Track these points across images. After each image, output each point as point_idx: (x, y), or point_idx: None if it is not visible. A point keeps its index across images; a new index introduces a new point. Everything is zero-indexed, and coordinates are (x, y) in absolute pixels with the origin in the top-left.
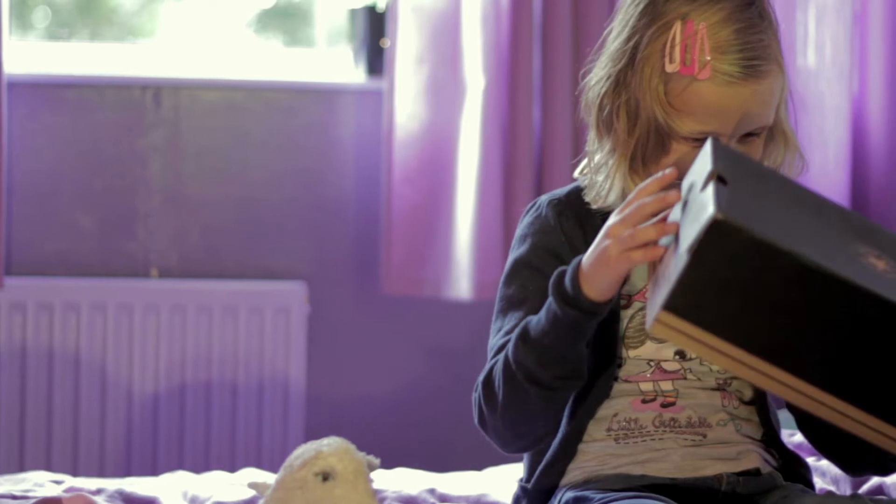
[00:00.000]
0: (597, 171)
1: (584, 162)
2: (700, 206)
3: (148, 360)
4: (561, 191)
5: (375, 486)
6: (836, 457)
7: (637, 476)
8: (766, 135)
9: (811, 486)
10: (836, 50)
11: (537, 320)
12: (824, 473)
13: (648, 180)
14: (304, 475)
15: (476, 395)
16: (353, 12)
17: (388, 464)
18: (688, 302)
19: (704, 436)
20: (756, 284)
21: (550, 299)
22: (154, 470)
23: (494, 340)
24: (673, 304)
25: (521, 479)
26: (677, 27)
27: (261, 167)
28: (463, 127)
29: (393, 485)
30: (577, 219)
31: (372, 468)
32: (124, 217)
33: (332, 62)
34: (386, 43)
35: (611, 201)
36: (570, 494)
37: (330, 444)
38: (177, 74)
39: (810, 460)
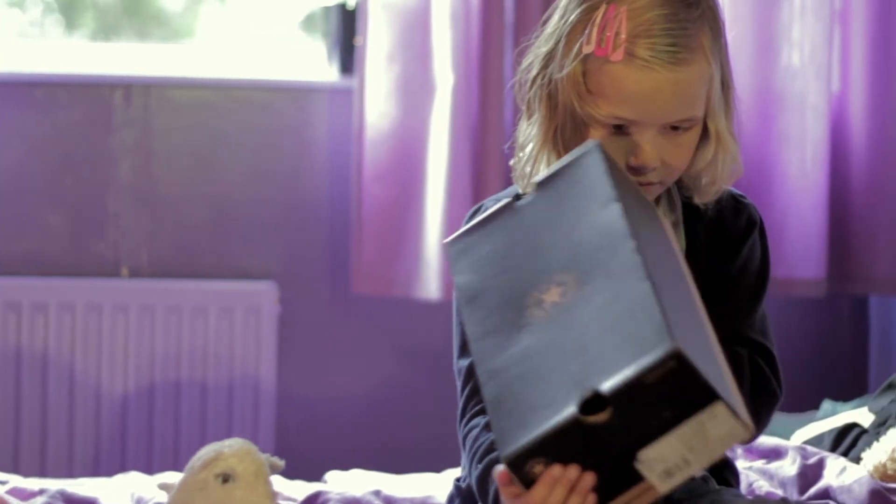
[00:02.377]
0: (525, 162)
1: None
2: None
3: (117, 360)
4: (505, 193)
5: (324, 486)
6: None
7: None
8: (696, 133)
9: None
10: (814, 48)
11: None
12: (772, 476)
13: (537, 489)
14: (206, 477)
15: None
16: (327, 10)
17: (357, 464)
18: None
19: None
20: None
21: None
22: (123, 470)
23: (461, 363)
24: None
25: (457, 479)
26: (602, 9)
27: (232, 166)
28: (433, 125)
29: (339, 486)
30: None
31: (275, 469)
32: (94, 216)
33: (307, 60)
34: (359, 41)
35: (530, 188)
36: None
37: (231, 446)
38: (147, 73)
39: (759, 463)
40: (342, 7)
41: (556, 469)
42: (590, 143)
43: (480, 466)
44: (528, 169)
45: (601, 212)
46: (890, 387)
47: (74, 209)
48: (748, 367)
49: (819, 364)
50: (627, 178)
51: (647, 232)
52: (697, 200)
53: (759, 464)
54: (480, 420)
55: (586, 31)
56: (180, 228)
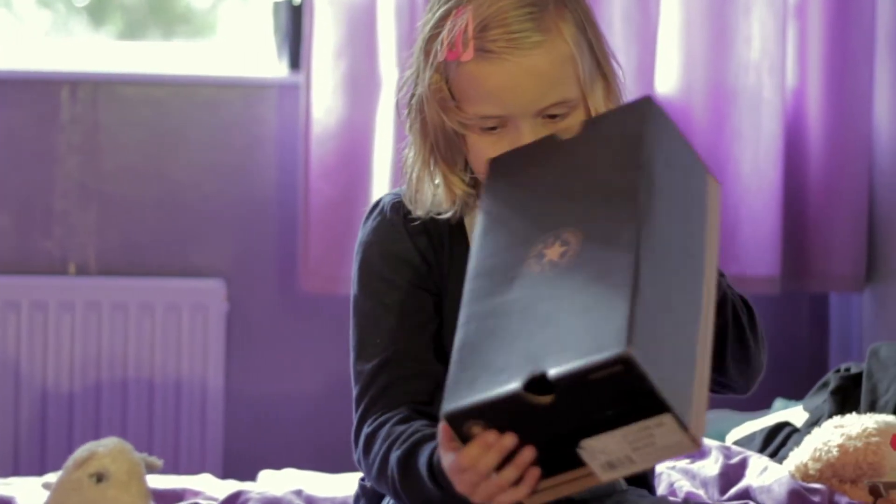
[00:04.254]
0: (408, 183)
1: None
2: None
3: (63, 358)
4: (405, 188)
5: (249, 486)
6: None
7: None
8: (578, 116)
9: (651, 488)
10: (766, 42)
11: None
12: (694, 476)
13: (469, 448)
14: (80, 476)
15: (359, 452)
16: (276, 5)
17: (306, 462)
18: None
19: None
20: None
21: (426, 477)
22: None
23: (362, 366)
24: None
25: (361, 478)
26: (451, 14)
27: (180, 163)
28: (379, 121)
29: (266, 486)
30: (421, 221)
31: (152, 469)
32: (41, 214)
33: (257, 56)
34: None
35: (421, 211)
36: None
37: (105, 445)
38: (94, 69)
39: (683, 462)
40: (290, 3)
41: (491, 435)
42: (646, 98)
43: (404, 446)
44: (416, 194)
45: (624, 175)
46: (824, 385)
47: (21, 206)
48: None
49: (778, 362)
50: (676, 138)
51: (671, 206)
52: None
53: (683, 463)
54: (391, 416)
55: (438, 39)
56: (128, 226)
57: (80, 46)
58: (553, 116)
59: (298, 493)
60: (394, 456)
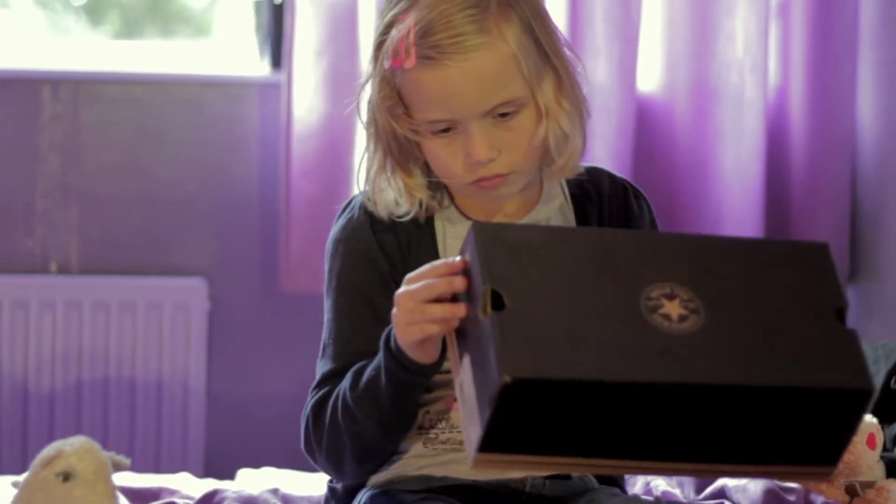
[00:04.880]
0: (366, 186)
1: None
2: (484, 354)
3: (44, 357)
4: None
5: (225, 484)
6: None
7: (438, 478)
8: (529, 114)
9: (622, 487)
10: (748, 40)
11: (374, 374)
12: (670, 475)
13: (439, 262)
14: (46, 475)
15: (308, 422)
16: (258, 4)
17: (288, 461)
18: (501, 440)
19: None
20: (566, 409)
21: (383, 357)
22: None
23: (320, 365)
24: (487, 447)
25: (330, 480)
26: (398, 21)
27: (162, 162)
28: (359, 120)
29: (238, 485)
30: (390, 219)
31: (119, 468)
32: (22, 212)
33: (238, 55)
34: None
35: (383, 213)
36: (368, 494)
37: (73, 444)
38: (75, 67)
39: None
40: (271, 2)
41: (458, 263)
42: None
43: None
44: (375, 198)
45: None
46: None
47: (2, 205)
48: None
49: None
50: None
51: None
52: (560, 177)
53: None
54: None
55: (384, 48)
56: (109, 224)
57: (61, 45)
58: (504, 115)
59: (275, 491)
60: (345, 385)
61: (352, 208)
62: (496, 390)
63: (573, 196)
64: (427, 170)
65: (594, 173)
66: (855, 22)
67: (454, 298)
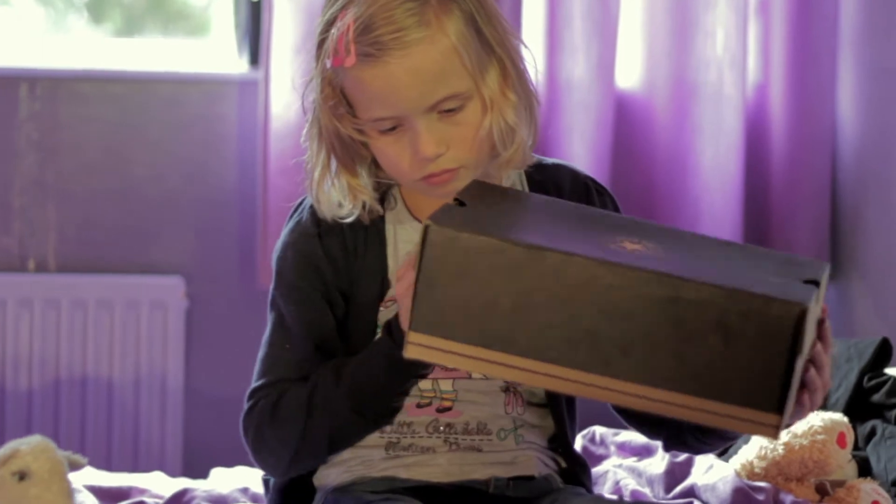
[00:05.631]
0: (309, 188)
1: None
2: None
3: (22, 355)
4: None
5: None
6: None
7: (401, 479)
8: (474, 108)
9: (588, 487)
10: (727, 37)
11: (369, 366)
12: (640, 474)
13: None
14: (2, 474)
15: (262, 420)
16: (237, 1)
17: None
18: (433, 318)
19: (480, 450)
20: (499, 285)
21: (386, 345)
22: None
23: (257, 369)
24: (417, 323)
25: (263, 477)
26: (338, 19)
27: (140, 160)
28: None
29: (209, 484)
30: (338, 222)
31: (76, 467)
32: (0, 211)
33: (218, 52)
34: None
35: (327, 215)
36: (332, 496)
37: (28, 443)
38: (52, 65)
39: (631, 460)
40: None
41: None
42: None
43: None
44: (318, 199)
45: None
46: None
47: None
48: None
49: None
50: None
51: None
52: (508, 170)
53: (631, 461)
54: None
55: (325, 47)
56: (87, 223)
57: (39, 43)
58: (449, 110)
59: (245, 490)
60: (324, 381)
61: (301, 211)
62: (420, 239)
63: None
64: (374, 169)
65: (556, 169)
66: (835, 19)
67: None
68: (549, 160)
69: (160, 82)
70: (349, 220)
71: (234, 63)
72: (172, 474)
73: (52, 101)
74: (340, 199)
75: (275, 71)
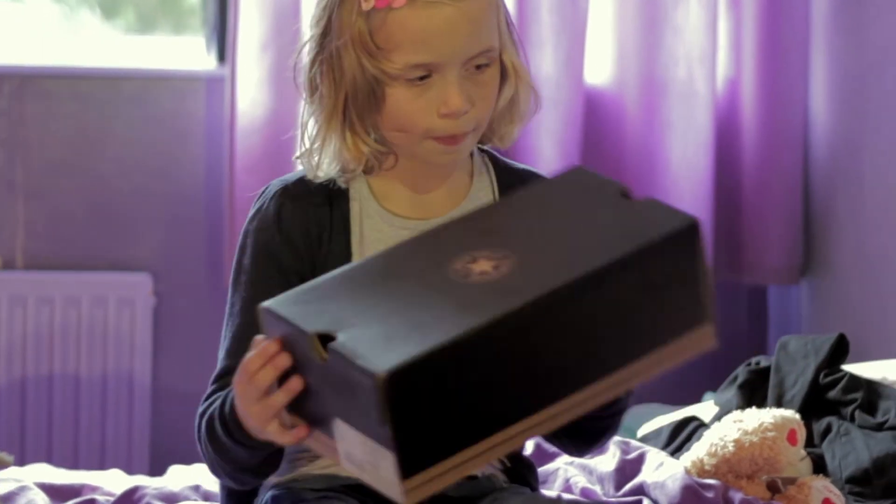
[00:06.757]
0: (312, 143)
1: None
2: (347, 389)
3: None
4: (293, 175)
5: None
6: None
7: (343, 476)
8: (496, 69)
9: (533, 486)
10: (697, 33)
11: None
12: (591, 472)
13: (252, 354)
14: None
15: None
16: None
17: None
18: (416, 458)
19: None
20: (447, 391)
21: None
22: None
23: (219, 361)
24: (407, 471)
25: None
26: None
27: (108, 158)
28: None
29: (161, 482)
30: (302, 209)
31: (2, 465)
32: None
33: (187, 49)
34: None
35: (332, 172)
36: (270, 494)
37: None
38: (19, 62)
39: (592, 461)
40: None
41: (273, 346)
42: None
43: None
44: (315, 145)
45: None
46: (734, 380)
47: None
48: None
49: (715, 356)
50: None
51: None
52: (499, 144)
53: (582, 459)
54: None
55: None
56: (54, 220)
57: (7, 40)
58: (478, 67)
59: (196, 488)
60: (206, 416)
61: (264, 198)
62: (379, 395)
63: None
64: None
65: (527, 174)
66: (806, 13)
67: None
68: (519, 165)
69: (128, 79)
70: (345, 178)
71: (202, 60)
72: (140, 472)
73: (20, 98)
74: (345, 155)
75: (241, 68)
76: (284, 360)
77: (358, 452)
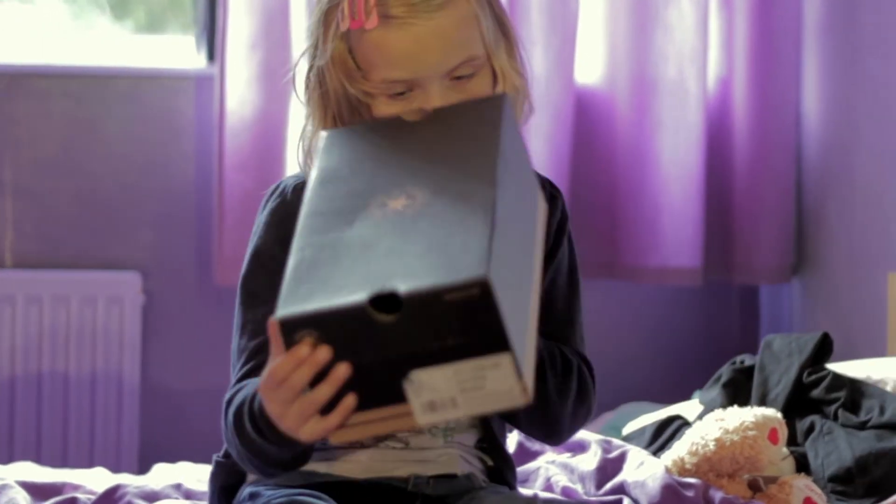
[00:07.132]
0: (308, 148)
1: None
2: (431, 315)
3: None
4: (301, 175)
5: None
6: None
7: (321, 474)
8: (485, 77)
9: (512, 485)
10: (688, 32)
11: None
12: (573, 471)
13: (276, 362)
14: None
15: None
16: None
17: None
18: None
19: (407, 444)
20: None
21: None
22: None
23: (239, 343)
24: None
25: (217, 454)
26: None
27: (97, 156)
28: (293, 112)
29: (142, 480)
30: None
31: None
32: None
33: (178, 48)
34: None
35: None
36: (249, 490)
37: None
38: (9, 61)
39: (564, 456)
40: None
41: (305, 348)
42: (500, 94)
43: (242, 394)
44: (311, 150)
45: (479, 150)
46: (718, 379)
47: None
48: (576, 375)
49: (706, 355)
50: (519, 139)
51: (515, 192)
52: None
53: (564, 457)
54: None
55: (339, 10)
56: (43, 218)
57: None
58: (460, 78)
59: (178, 486)
60: (233, 408)
61: (282, 192)
62: (489, 298)
63: None
64: None
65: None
66: (798, 13)
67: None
68: None
69: (117, 78)
70: None
71: (192, 59)
72: (129, 470)
73: (9, 96)
74: None
75: (230, 67)
76: (324, 354)
77: (448, 391)
